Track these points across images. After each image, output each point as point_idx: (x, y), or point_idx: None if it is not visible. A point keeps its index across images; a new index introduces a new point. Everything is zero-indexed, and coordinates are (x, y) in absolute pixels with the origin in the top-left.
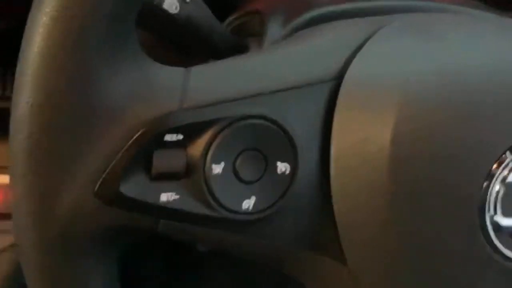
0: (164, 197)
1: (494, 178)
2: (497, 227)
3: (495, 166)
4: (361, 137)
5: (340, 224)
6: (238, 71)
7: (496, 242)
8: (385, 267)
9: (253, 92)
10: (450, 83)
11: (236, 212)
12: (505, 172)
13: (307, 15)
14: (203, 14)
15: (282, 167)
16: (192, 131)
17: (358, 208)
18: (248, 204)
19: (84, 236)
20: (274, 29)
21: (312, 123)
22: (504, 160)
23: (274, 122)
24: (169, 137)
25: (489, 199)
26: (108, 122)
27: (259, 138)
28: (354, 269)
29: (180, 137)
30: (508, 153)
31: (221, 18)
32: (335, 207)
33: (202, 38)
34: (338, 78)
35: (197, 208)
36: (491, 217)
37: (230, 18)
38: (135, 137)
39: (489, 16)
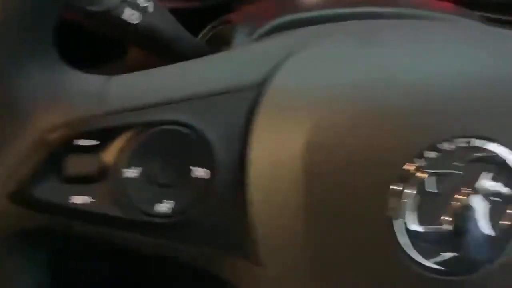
0: (78, 199)
1: (408, 185)
2: (413, 234)
3: (408, 173)
4: (277, 146)
5: (257, 229)
6: (159, 79)
7: (412, 250)
8: (302, 273)
9: (171, 99)
10: (364, 91)
11: (153, 215)
12: (419, 179)
13: (270, 24)
14: (167, 24)
15: (200, 172)
16: (107, 136)
17: (274, 214)
18: (166, 207)
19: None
20: (240, 38)
21: (232, 129)
22: (418, 167)
23: (191, 127)
24: (82, 142)
25: (404, 207)
26: (20, 125)
27: (176, 143)
28: (272, 273)
29: (94, 141)
30: (420, 160)
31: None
32: (252, 213)
33: (166, 47)
34: (261, 86)
35: (113, 211)
36: (406, 225)
37: (208, 27)
38: (46, 140)
39: (463, 22)
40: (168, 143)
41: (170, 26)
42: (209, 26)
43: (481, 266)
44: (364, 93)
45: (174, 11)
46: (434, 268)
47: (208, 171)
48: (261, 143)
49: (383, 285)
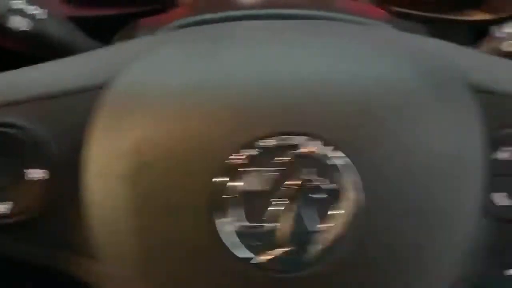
0: None
1: (231, 183)
2: (240, 232)
3: (230, 170)
4: (111, 146)
5: (93, 228)
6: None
7: (239, 248)
8: (136, 271)
9: (5, 101)
10: (193, 92)
11: None
12: (242, 176)
13: (164, 29)
14: (62, 31)
15: (37, 172)
16: None
17: (108, 213)
18: (4, 208)
19: None
20: None
21: (72, 130)
22: (240, 164)
23: (24, 129)
24: None
25: (228, 204)
26: None
27: (11, 144)
28: (110, 270)
29: None
30: (242, 157)
31: None
32: (89, 212)
33: (62, 54)
34: (102, 88)
35: None
36: (232, 222)
37: (120, 33)
38: None
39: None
40: (3, 145)
41: (65, 33)
42: (121, 32)
43: (311, 262)
44: (193, 94)
45: (111, 17)
46: (263, 265)
47: (46, 171)
48: (97, 144)
49: (212, 283)
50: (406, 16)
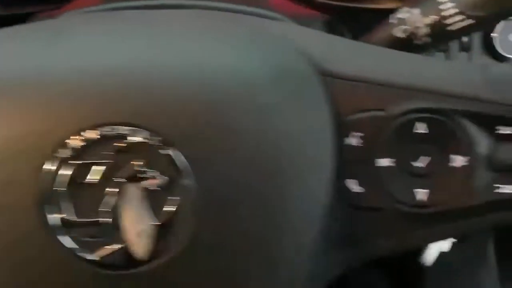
0: None
1: (58, 177)
2: (71, 228)
3: (56, 164)
4: None
5: None
6: None
7: (72, 244)
8: None
9: None
10: (17, 86)
11: None
12: (69, 170)
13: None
14: None
15: None
16: None
17: None
18: None
19: None
20: None
21: None
22: (65, 158)
23: None
24: None
25: (57, 199)
26: None
27: None
28: None
29: None
30: (67, 150)
31: None
32: None
33: None
34: None
35: None
36: (61, 218)
37: None
38: None
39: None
40: None
41: None
42: None
43: (144, 259)
44: (20, 86)
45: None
46: (96, 262)
47: None
48: None
49: (46, 280)
50: (323, 7)
